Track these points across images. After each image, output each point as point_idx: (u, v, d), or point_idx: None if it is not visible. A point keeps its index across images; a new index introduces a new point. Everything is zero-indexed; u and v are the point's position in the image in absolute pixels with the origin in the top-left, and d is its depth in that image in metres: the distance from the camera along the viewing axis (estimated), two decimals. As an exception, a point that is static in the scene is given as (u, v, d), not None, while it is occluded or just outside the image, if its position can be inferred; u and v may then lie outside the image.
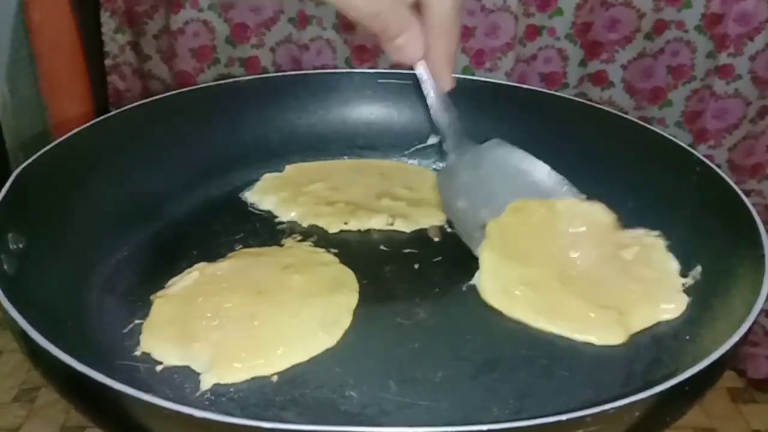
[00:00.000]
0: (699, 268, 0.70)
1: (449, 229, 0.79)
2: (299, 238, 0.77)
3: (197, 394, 0.59)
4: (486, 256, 0.71)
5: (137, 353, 0.63)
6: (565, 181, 0.78)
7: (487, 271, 0.70)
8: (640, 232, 0.75)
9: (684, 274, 0.71)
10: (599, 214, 0.77)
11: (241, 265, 0.72)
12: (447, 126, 0.78)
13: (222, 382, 0.60)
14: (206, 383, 0.60)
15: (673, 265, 0.72)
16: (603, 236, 0.75)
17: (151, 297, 0.68)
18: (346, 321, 0.66)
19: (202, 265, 0.72)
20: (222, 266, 0.71)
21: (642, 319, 0.67)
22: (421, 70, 0.73)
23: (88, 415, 0.54)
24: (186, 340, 0.63)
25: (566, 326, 0.66)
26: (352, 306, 0.68)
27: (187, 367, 0.61)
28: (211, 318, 0.65)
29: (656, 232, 0.75)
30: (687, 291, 0.69)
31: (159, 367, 0.62)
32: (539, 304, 0.68)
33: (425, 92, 0.75)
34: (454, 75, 0.74)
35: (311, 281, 0.70)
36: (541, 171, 0.78)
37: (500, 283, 0.69)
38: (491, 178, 0.78)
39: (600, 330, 0.65)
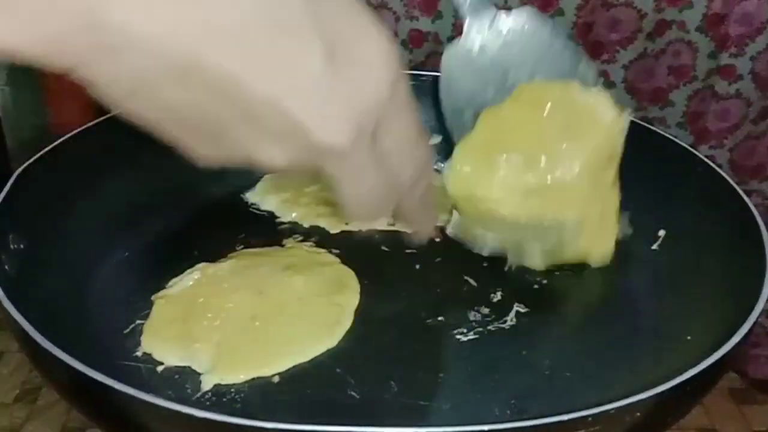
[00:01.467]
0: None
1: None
2: (300, 238, 0.77)
3: (198, 394, 0.59)
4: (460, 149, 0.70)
5: (138, 354, 0.63)
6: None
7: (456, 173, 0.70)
8: None
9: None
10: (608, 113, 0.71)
11: (242, 265, 0.72)
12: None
13: (223, 382, 0.60)
14: (207, 383, 0.60)
15: None
16: (602, 144, 0.71)
17: (152, 297, 0.68)
18: (347, 322, 0.66)
19: (202, 265, 0.71)
20: (223, 266, 0.71)
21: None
22: None
23: (89, 415, 0.54)
24: (187, 341, 0.63)
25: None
26: (353, 307, 0.68)
27: (188, 368, 0.61)
28: (212, 318, 0.65)
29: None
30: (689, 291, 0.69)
31: (160, 368, 0.62)
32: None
33: None
34: None
35: (312, 282, 0.70)
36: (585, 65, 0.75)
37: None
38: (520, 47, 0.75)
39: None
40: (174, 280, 0.70)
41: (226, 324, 0.65)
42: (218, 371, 0.61)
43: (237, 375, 0.61)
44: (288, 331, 0.65)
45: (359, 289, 0.70)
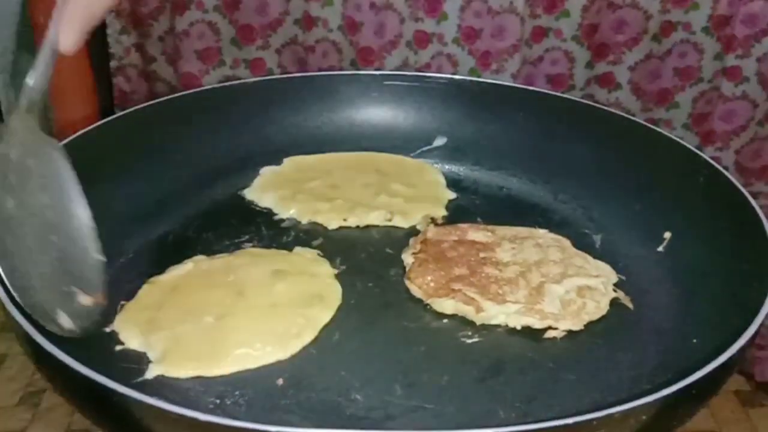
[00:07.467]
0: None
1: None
2: (313, 244, 0.77)
3: (139, 379, 0.60)
4: None
5: (106, 330, 0.64)
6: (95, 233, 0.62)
7: None
8: None
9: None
10: None
11: (235, 263, 0.73)
12: (36, 90, 0.63)
13: (167, 374, 0.61)
14: (152, 373, 0.61)
15: None
16: None
17: (145, 280, 0.70)
18: (308, 337, 0.66)
19: (199, 257, 0.73)
20: (216, 263, 0.72)
21: None
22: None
23: (92, 417, 0.54)
24: (151, 328, 0.64)
25: None
26: (321, 323, 0.67)
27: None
28: (183, 311, 0.66)
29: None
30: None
31: (118, 347, 0.63)
32: None
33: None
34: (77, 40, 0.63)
35: (292, 291, 0.70)
36: (82, 209, 0.62)
37: None
38: (33, 177, 0.63)
39: None
40: (171, 267, 0.71)
41: (193, 318, 0.66)
42: (166, 363, 0.62)
43: (182, 370, 0.62)
44: (246, 335, 0.65)
45: (337, 306, 0.70)
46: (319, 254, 0.76)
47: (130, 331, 0.65)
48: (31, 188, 0.63)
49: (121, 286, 0.70)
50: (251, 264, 0.72)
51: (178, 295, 0.68)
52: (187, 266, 0.71)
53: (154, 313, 0.66)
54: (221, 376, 0.61)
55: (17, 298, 0.56)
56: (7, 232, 0.60)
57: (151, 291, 0.69)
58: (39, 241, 0.62)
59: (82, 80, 1.20)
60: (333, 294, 0.71)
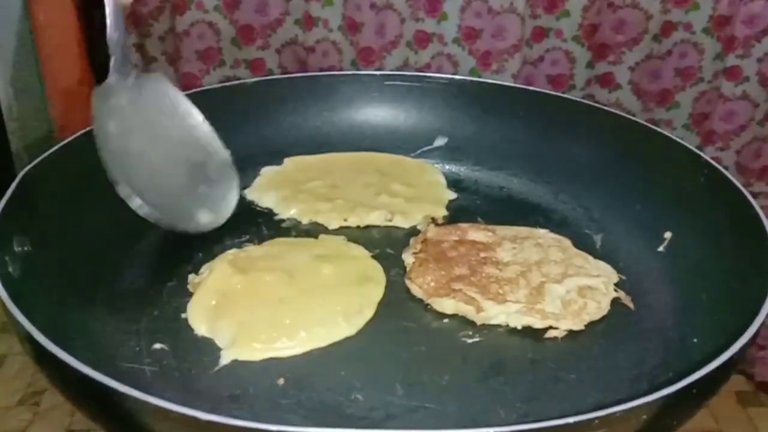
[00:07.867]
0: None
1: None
2: (305, 237, 0.77)
3: (217, 368, 0.62)
4: None
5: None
6: (215, 133, 0.76)
7: None
8: None
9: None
10: None
11: (274, 252, 0.74)
12: (116, 43, 0.73)
13: (240, 359, 0.62)
14: (225, 359, 0.62)
15: None
16: None
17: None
18: (369, 312, 0.68)
19: (233, 251, 0.74)
20: (255, 252, 0.74)
21: None
22: None
23: (93, 417, 0.54)
24: (217, 315, 0.66)
25: None
26: (377, 298, 0.69)
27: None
28: (245, 297, 0.68)
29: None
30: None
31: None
32: None
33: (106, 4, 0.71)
34: None
35: (340, 272, 0.71)
36: (197, 117, 0.76)
37: None
38: (149, 109, 0.75)
39: None
40: (205, 265, 0.73)
41: (255, 303, 0.67)
42: (236, 348, 0.63)
43: (253, 353, 0.63)
44: (311, 315, 0.66)
45: (385, 283, 0.71)
46: (345, 239, 0.77)
47: (198, 318, 0.66)
48: (151, 121, 0.74)
49: (122, 286, 0.70)
50: (290, 251, 0.74)
51: (234, 285, 0.69)
52: (226, 260, 0.72)
53: (218, 300, 0.68)
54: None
55: (152, 220, 0.69)
56: (137, 167, 0.71)
57: (203, 288, 0.69)
58: (171, 160, 0.74)
59: (83, 81, 1.20)
60: (378, 272, 0.73)
